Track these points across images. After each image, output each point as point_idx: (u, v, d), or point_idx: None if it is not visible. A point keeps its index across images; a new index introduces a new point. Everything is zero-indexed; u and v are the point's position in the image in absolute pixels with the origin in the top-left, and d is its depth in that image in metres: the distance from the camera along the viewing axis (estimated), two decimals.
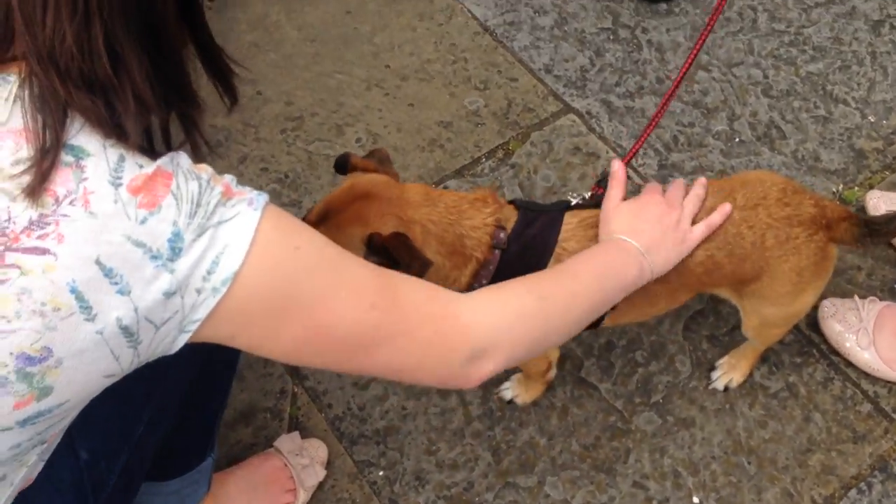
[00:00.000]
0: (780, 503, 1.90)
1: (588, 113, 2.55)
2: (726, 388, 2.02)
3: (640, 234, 1.48)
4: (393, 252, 1.41)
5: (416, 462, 1.98)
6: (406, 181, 2.43)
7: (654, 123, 1.77)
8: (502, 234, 1.61)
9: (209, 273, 0.95)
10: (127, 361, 0.98)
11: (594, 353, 2.12)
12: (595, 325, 1.70)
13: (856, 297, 2.09)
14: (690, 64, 1.76)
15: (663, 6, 2.77)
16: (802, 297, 1.72)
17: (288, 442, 1.92)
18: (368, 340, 1.08)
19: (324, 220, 1.47)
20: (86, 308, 0.91)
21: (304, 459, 1.90)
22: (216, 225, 0.96)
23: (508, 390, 2.04)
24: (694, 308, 2.15)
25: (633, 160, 2.43)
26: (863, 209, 2.30)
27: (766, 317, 1.77)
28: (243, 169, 2.45)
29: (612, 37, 2.71)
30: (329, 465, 1.97)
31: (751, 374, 2.04)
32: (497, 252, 1.60)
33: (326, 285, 1.04)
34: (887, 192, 2.29)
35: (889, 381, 2.03)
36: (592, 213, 1.63)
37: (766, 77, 2.61)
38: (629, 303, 1.61)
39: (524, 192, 2.38)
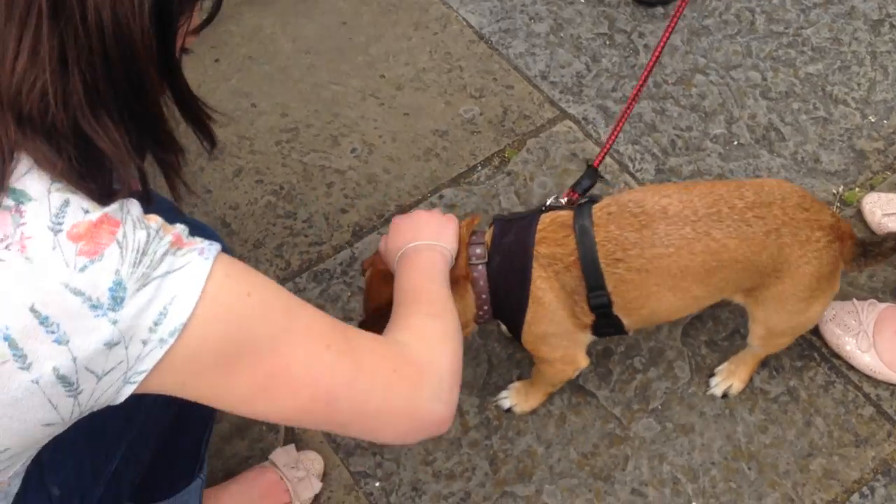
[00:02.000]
0: None
1: (584, 119, 2.54)
2: (725, 395, 2.00)
3: (418, 233, 1.53)
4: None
5: (412, 472, 1.96)
6: (402, 191, 2.44)
7: (626, 113, 1.78)
8: (479, 250, 1.63)
9: (156, 324, 0.92)
10: (67, 411, 0.95)
11: (592, 359, 2.08)
12: (620, 330, 1.72)
13: (854, 301, 2.06)
14: (662, 48, 1.77)
15: (659, 10, 2.75)
16: (815, 305, 1.71)
17: (283, 455, 1.91)
18: (327, 382, 1.04)
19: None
20: (20, 356, 0.88)
21: (299, 472, 1.89)
22: (163, 275, 0.93)
23: (507, 399, 2.03)
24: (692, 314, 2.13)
25: (632, 166, 2.43)
26: (860, 213, 2.27)
27: (776, 325, 1.75)
28: (238, 182, 2.46)
29: (608, 42, 2.70)
30: (325, 477, 1.96)
31: (750, 381, 2.01)
32: (481, 268, 1.62)
33: (280, 329, 1.01)
34: (888, 193, 2.27)
35: (891, 384, 2.00)
36: (566, 213, 1.63)
37: (764, 79, 2.59)
38: (635, 304, 1.63)
39: (521, 200, 2.37)
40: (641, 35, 2.71)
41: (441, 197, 2.40)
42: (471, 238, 1.66)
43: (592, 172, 1.81)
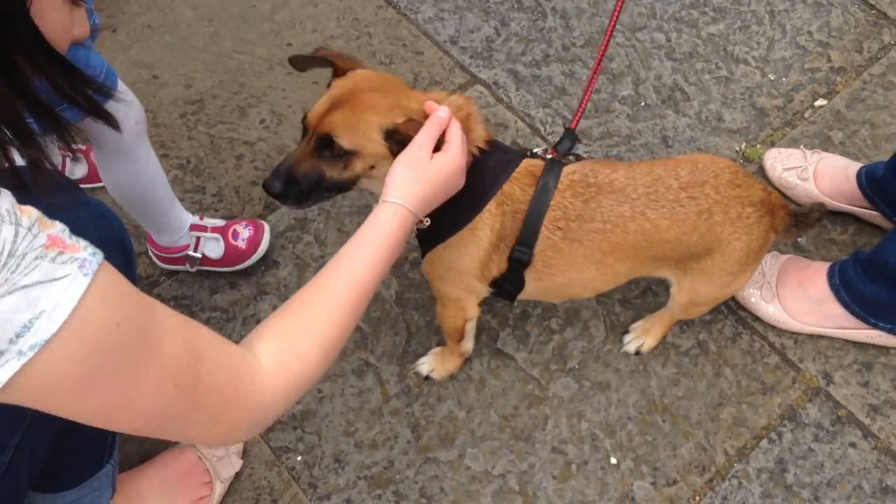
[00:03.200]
0: (695, 457, 1.94)
1: (495, 83, 2.53)
2: (637, 352, 2.05)
3: (413, 197, 1.40)
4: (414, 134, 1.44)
5: (334, 444, 1.95)
6: None
7: (597, 70, 1.81)
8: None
9: (17, 336, 0.85)
10: None
11: (509, 323, 2.12)
12: (513, 296, 1.75)
13: None
14: (612, 29, 1.78)
15: None
16: (741, 277, 1.75)
17: None
18: (162, 415, 1.04)
19: (337, 107, 1.49)
20: None
21: (218, 451, 1.86)
22: (34, 285, 0.86)
23: (425, 365, 2.03)
24: None
25: (543, 129, 2.44)
26: (762, 169, 2.34)
27: (700, 295, 1.79)
28: None
29: (516, 5, 2.70)
30: (245, 453, 1.93)
31: (663, 339, 2.07)
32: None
33: (137, 363, 0.97)
34: (787, 148, 2.34)
35: (795, 333, 2.09)
36: (537, 164, 1.64)
37: (668, 40, 2.63)
38: (553, 270, 1.66)
39: None
40: None
41: None
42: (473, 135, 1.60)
43: (570, 135, 1.81)
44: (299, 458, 1.94)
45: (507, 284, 1.73)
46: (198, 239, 2.10)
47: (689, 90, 2.52)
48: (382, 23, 2.66)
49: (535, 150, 1.70)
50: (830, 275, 2.03)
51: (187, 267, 2.12)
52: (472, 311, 1.86)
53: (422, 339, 2.09)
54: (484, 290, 1.77)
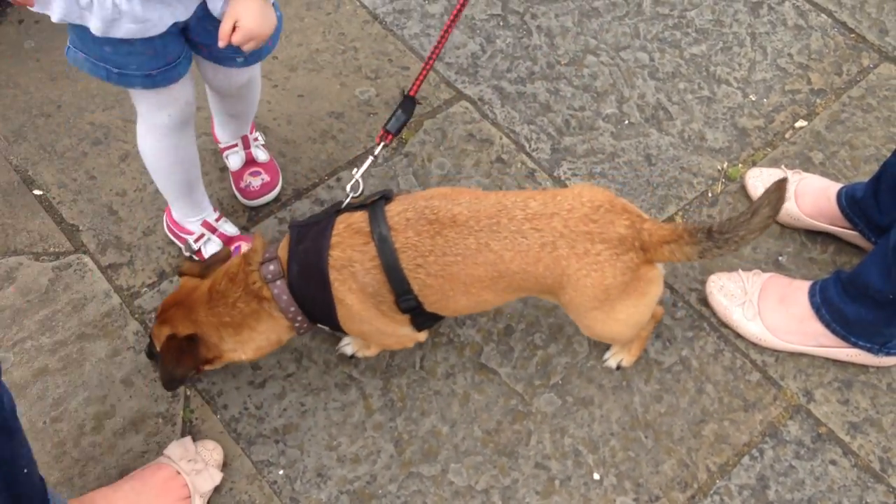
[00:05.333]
0: (677, 473, 1.94)
1: (480, 99, 2.55)
2: (619, 367, 2.05)
3: None
4: (163, 354, 1.73)
5: (316, 459, 1.94)
6: (298, 175, 2.39)
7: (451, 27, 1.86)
8: (271, 266, 1.69)
9: None
10: None
11: (493, 338, 2.12)
12: (439, 318, 1.80)
13: (739, 271, 2.16)
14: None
15: None
16: (613, 315, 1.71)
17: (179, 448, 1.85)
18: None
19: (160, 320, 1.77)
20: None
21: (197, 465, 1.84)
22: None
23: (348, 346, 2.04)
24: None
25: (528, 146, 2.45)
26: (744, 188, 2.37)
27: (587, 325, 1.79)
28: (125, 167, 2.35)
29: (501, 23, 2.72)
30: (226, 467, 1.91)
31: (642, 354, 2.07)
32: (279, 283, 1.68)
33: None
34: (768, 168, 2.37)
35: (776, 350, 2.10)
36: (361, 217, 1.66)
37: (652, 60, 2.66)
38: (439, 304, 1.71)
39: (419, 181, 2.36)
40: (534, 16, 2.73)
41: (339, 179, 2.36)
42: (263, 257, 1.71)
43: (409, 104, 1.83)
44: (281, 472, 1.92)
45: (424, 323, 1.79)
46: (202, 235, 2.14)
47: (673, 109, 2.55)
48: (368, 38, 2.66)
49: (344, 205, 1.74)
50: (812, 293, 2.05)
51: (183, 248, 2.18)
52: (420, 337, 1.88)
53: (405, 354, 2.08)
54: (405, 321, 1.79)
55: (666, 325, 2.12)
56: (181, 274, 1.84)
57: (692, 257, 1.65)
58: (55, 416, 1.97)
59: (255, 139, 2.32)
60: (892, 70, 2.63)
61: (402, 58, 2.62)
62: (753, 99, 2.58)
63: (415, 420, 1.99)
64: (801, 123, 2.52)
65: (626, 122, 2.52)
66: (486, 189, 2.30)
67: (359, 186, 1.81)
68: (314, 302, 1.70)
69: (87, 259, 2.20)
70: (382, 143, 1.85)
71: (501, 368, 2.07)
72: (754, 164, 2.44)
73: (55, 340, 2.07)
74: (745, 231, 1.61)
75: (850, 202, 2.16)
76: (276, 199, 2.32)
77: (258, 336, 1.76)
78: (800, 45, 2.69)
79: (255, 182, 2.28)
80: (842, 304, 1.98)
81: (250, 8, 1.58)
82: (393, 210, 1.66)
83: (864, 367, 2.09)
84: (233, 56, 1.80)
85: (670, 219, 2.32)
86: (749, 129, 2.52)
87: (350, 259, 1.64)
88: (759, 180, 2.32)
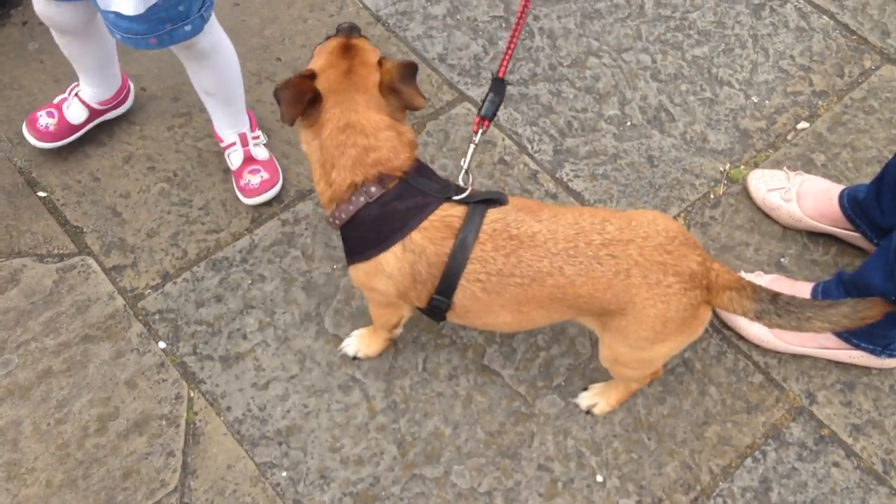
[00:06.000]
0: (680, 475, 1.95)
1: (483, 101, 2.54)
2: (588, 412, 2.02)
3: None
4: (281, 89, 1.59)
5: (320, 460, 1.94)
6: (301, 176, 2.40)
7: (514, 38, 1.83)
8: (373, 188, 1.63)
9: None
10: None
11: (496, 340, 2.12)
12: (440, 318, 1.76)
13: (742, 273, 2.16)
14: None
15: None
16: (660, 346, 1.69)
17: None
18: None
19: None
20: None
21: None
22: None
23: (350, 346, 2.05)
24: None
25: (530, 147, 2.45)
26: (745, 190, 2.37)
27: (619, 354, 1.76)
28: (129, 169, 2.36)
29: (504, 24, 2.72)
30: (230, 469, 1.91)
31: (618, 407, 2.02)
32: (360, 199, 1.63)
33: None
34: (770, 170, 2.37)
35: (779, 352, 2.10)
36: (459, 214, 1.63)
37: (654, 62, 2.66)
38: (471, 315, 1.69)
39: None
40: (536, 18, 2.74)
41: None
42: (380, 173, 1.62)
43: (499, 86, 1.79)
44: (284, 473, 1.92)
45: (428, 315, 1.77)
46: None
47: (675, 111, 2.55)
48: (371, 40, 2.66)
49: (455, 197, 1.66)
50: (814, 295, 2.06)
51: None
52: (407, 313, 1.88)
53: (408, 355, 2.08)
54: (407, 309, 1.79)
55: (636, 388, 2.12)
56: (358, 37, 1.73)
57: (748, 313, 1.62)
58: (59, 417, 1.97)
59: (256, 137, 2.33)
60: (894, 72, 2.63)
61: (404, 59, 2.62)
62: (755, 100, 2.58)
63: (418, 422, 2.00)
64: (802, 125, 2.53)
65: (629, 123, 2.52)
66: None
67: (469, 179, 1.73)
68: (363, 239, 1.66)
69: (90, 261, 2.20)
70: (480, 130, 1.79)
71: (504, 370, 2.08)
72: (756, 165, 2.44)
73: (59, 342, 2.08)
74: (813, 314, 1.59)
75: (853, 204, 2.16)
76: (279, 200, 2.32)
77: (311, 146, 1.67)
78: (801, 47, 2.69)
79: (255, 180, 2.28)
80: None
81: None
82: (490, 217, 1.63)
83: (866, 369, 2.09)
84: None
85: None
86: (751, 131, 2.52)
87: (423, 248, 1.62)
88: (761, 182, 2.33)
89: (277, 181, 2.32)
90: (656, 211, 1.68)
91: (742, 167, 2.44)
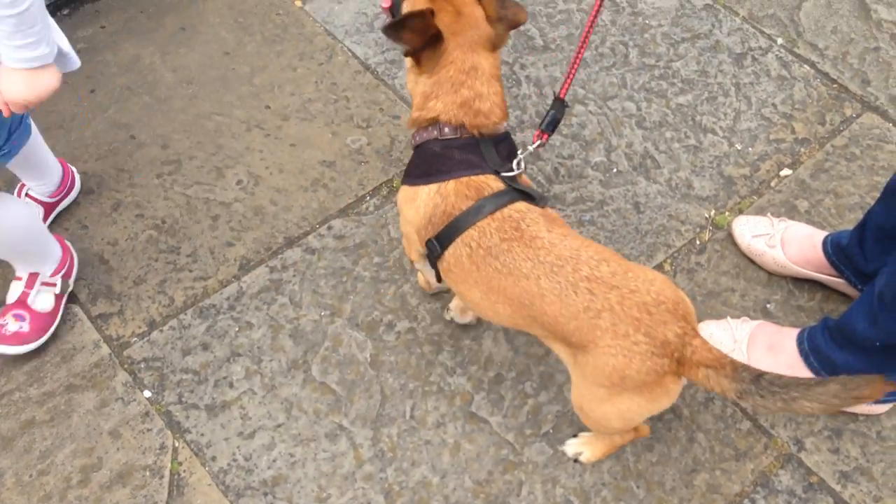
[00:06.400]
0: None
1: None
2: (576, 460, 2.01)
3: None
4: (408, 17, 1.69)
5: None
6: (290, 223, 2.40)
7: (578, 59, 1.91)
8: (447, 130, 1.76)
9: None
10: None
11: (484, 386, 2.12)
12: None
13: (728, 319, 2.17)
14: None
15: (538, 41, 2.84)
16: (617, 401, 1.67)
17: None
18: None
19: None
20: None
21: None
22: None
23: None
24: None
25: None
26: (731, 236, 2.39)
27: (582, 397, 1.75)
28: (117, 216, 2.36)
29: None
30: None
31: (604, 458, 2.01)
32: (433, 132, 1.77)
33: None
34: (755, 216, 2.40)
35: None
36: (491, 185, 1.72)
37: (639, 109, 2.70)
38: (451, 276, 1.78)
39: None
40: (523, 66, 2.78)
41: (330, 228, 2.38)
42: (453, 123, 1.75)
43: (560, 105, 1.89)
44: None
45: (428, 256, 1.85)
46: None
47: (660, 158, 2.58)
48: (360, 87, 2.70)
49: (506, 172, 1.76)
50: (799, 341, 2.07)
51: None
52: (413, 256, 1.97)
53: (396, 403, 2.08)
54: (418, 245, 1.87)
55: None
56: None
57: (728, 393, 1.58)
58: (42, 468, 1.95)
59: (51, 284, 2.12)
60: (875, 120, 2.68)
61: (393, 107, 2.65)
62: (739, 148, 2.62)
63: (405, 471, 1.98)
64: (786, 172, 2.56)
65: (615, 170, 2.55)
66: None
67: (522, 167, 1.81)
68: (417, 167, 1.80)
69: (77, 309, 2.20)
70: (539, 141, 1.90)
71: (492, 417, 2.07)
72: (741, 211, 2.46)
73: (43, 392, 2.06)
74: (800, 394, 1.52)
75: (836, 250, 2.19)
76: (267, 248, 2.33)
77: (419, 82, 1.80)
78: (783, 96, 2.74)
79: (11, 326, 2.06)
80: (829, 352, 1.99)
81: (13, 79, 1.57)
82: (515, 206, 1.70)
83: (853, 416, 2.09)
84: None
85: (659, 266, 2.34)
86: (735, 178, 2.55)
87: (447, 196, 1.72)
88: (746, 228, 2.35)
89: (36, 341, 2.08)
90: (664, 276, 1.68)
91: (727, 213, 2.46)
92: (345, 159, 2.53)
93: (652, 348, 1.58)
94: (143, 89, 2.63)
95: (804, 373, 2.05)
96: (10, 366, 2.09)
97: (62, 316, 2.17)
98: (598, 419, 1.76)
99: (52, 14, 2.75)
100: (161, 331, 2.17)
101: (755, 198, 2.50)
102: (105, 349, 2.13)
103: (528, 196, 1.73)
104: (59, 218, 2.36)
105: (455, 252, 1.73)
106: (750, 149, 2.61)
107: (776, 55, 2.84)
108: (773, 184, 2.53)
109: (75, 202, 2.39)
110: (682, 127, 2.66)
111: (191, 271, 2.28)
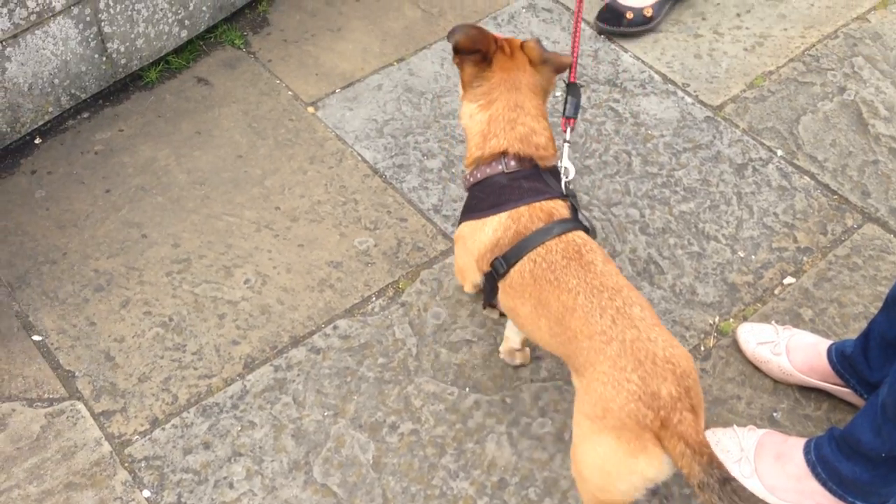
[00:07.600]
0: None
1: None
2: None
3: None
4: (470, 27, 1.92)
5: None
6: (295, 322, 2.42)
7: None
8: (513, 163, 1.92)
9: None
10: None
11: (487, 491, 2.08)
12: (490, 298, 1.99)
13: (735, 427, 2.15)
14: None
15: None
16: (594, 442, 1.68)
17: None
18: None
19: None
20: None
21: None
22: None
23: (506, 345, 2.25)
24: None
25: None
26: (735, 343, 2.40)
27: (574, 435, 1.79)
28: (125, 313, 2.39)
29: None
30: None
31: None
32: (498, 167, 1.92)
33: None
34: (759, 323, 2.41)
35: None
36: (561, 210, 1.89)
37: (642, 216, 2.75)
38: (511, 291, 1.89)
39: (415, 331, 2.39)
40: None
41: (335, 328, 2.39)
42: (518, 156, 1.92)
43: (574, 89, 2.08)
44: None
45: (487, 284, 1.96)
46: None
47: (664, 264, 2.62)
48: (368, 190, 2.76)
49: (566, 193, 1.95)
50: (806, 451, 2.04)
51: None
52: (467, 287, 2.10)
53: None
54: (475, 277, 1.99)
55: (664, 482, 2.09)
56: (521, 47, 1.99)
57: (691, 478, 1.57)
58: None
59: None
60: (876, 230, 2.72)
61: (400, 210, 2.71)
62: (742, 255, 2.65)
63: None
64: (789, 280, 2.58)
65: None
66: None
67: (571, 172, 2.00)
68: (483, 200, 1.93)
69: (80, 406, 2.19)
70: (569, 128, 2.07)
71: None
72: (745, 319, 2.48)
73: (42, 490, 2.03)
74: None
75: (841, 359, 2.19)
76: (273, 346, 2.34)
77: (474, 120, 1.98)
78: (784, 205, 2.79)
79: None
80: (836, 462, 1.96)
81: None
82: (577, 233, 1.86)
83: None
84: None
85: None
86: (738, 285, 2.57)
87: (519, 220, 1.87)
88: (750, 335, 2.36)
89: None
90: (688, 353, 1.78)
91: (731, 320, 2.48)
92: (352, 260, 2.56)
93: (640, 393, 1.62)
94: (157, 190, 2.70)
95: (812, 484, 2.01)
96: (10, 462, 2.07)
97: (65, 413, 2.17)
98: (580, 470, 1.78)
99: (73, 117, 2.86)
100: (163, 429, 2.16)
101: (759, 305, 2.52)
102: (106, 447, 2.11)
103: (586, 229, 1.92)
104: (67, 313, 2.38)
105: (520, 267, 1.85)
106: (753, 256, 2.65)
107: (776, 166, 2.91)
108: (776, 291, 2.55)
109: (85, 300, 2.42)
110: (686, 234, 2.70)
111: (195, 369, 2.28)
